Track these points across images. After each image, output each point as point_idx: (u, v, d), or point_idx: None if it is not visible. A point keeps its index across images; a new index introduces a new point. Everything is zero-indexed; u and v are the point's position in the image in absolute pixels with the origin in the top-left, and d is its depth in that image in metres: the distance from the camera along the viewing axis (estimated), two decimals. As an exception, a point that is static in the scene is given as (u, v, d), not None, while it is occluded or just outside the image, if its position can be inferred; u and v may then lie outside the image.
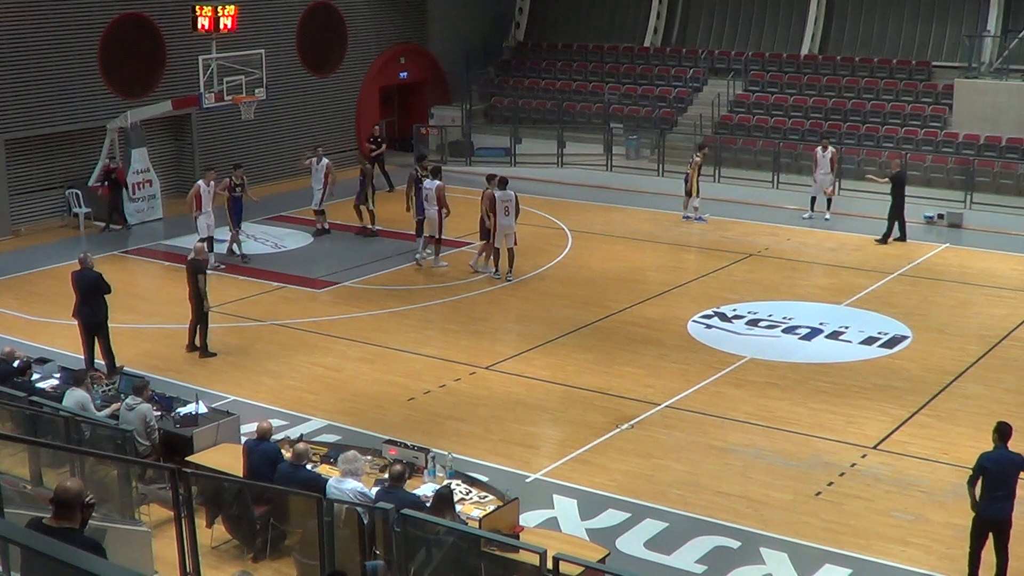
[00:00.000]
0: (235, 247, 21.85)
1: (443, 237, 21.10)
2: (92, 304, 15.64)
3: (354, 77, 31.29)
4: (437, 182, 20.91)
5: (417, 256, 21.32)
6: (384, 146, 27.66)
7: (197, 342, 16.80)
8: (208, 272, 17.12)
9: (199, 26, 24.18)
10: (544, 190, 26.70)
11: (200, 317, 16.61)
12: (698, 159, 24.65)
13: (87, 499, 6.35)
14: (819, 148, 24.61)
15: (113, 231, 24.06)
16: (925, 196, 24.45)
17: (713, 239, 23.24)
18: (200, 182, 20.96)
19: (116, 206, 24.25)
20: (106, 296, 15.71)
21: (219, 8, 24.26)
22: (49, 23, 24.44)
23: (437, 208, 20.71)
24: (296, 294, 20.12)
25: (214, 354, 16.70)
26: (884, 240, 22.57)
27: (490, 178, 20.74)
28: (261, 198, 23.85)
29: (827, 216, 24.36)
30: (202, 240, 20.30)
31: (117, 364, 15.61)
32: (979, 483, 10.27)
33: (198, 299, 16.50)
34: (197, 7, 24.08)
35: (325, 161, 23.60)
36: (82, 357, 15.82)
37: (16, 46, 23.96)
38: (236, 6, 24.71)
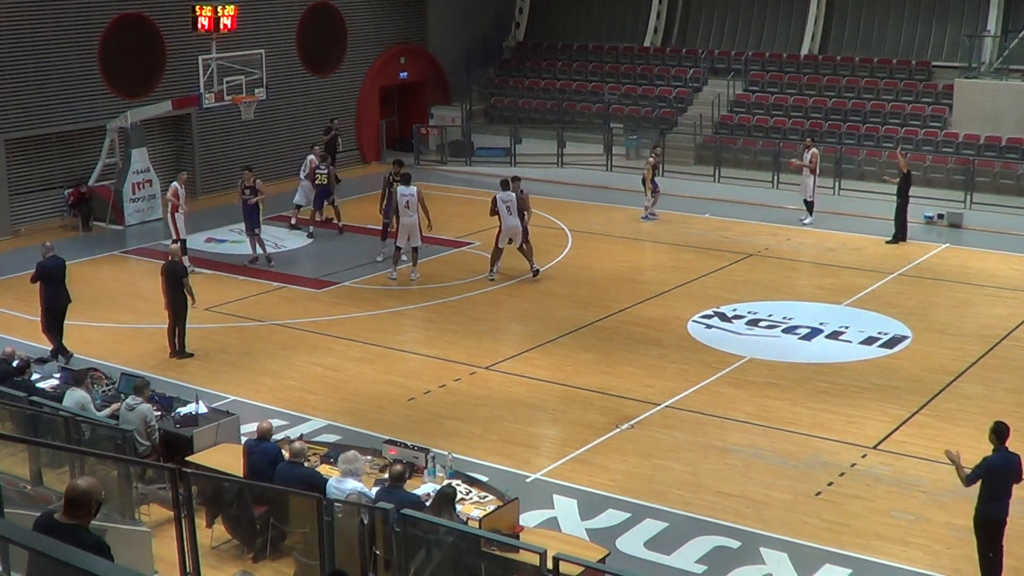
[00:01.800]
0: (259, 248, 21.54)
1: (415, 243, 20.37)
2: (60, 290, 16.40)
3: (354, 77, 31.28)
4: (414, 188, 20.26)
5: (393, 276, 20.42)
6: (334, 134, 28.16)
7: (176, 344, 16.68)
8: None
9: (199, 26, 24.16)
10: (544, 190, 26.66)
11: (180, 319, 16.52)
12: (652, 159, 24.76)
13: (99, 497, 6.34)
14: (802, 148, 24.56)
15: (112, 230, 24.12)
16: (925, 196, 24.42)
17: (713, 239, 23.23)
18: (175, 184, 20.88)
19: (86, 212, 24.37)
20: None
21: (219, 8, 24.23)
22: (49, 23, 24.43)
23: (418, 215, 20.08)
24: (296, 294, 20.11)
25: (191, 354, 16.65)
26: (895, 240, 22.52)
27: (515, 180, 20.61)
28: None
29: (810, 219, 24.07)
30: (175, 241, 20.30)
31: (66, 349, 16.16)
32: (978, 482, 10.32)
33: (177, 304, 16.40)
34: (197, 7, 24.06)
35: (310, 157, 23.92)
36: (80, 356, 15.93)
37: (16, 46, 23.95)
38: (236, 6, 24.69)
